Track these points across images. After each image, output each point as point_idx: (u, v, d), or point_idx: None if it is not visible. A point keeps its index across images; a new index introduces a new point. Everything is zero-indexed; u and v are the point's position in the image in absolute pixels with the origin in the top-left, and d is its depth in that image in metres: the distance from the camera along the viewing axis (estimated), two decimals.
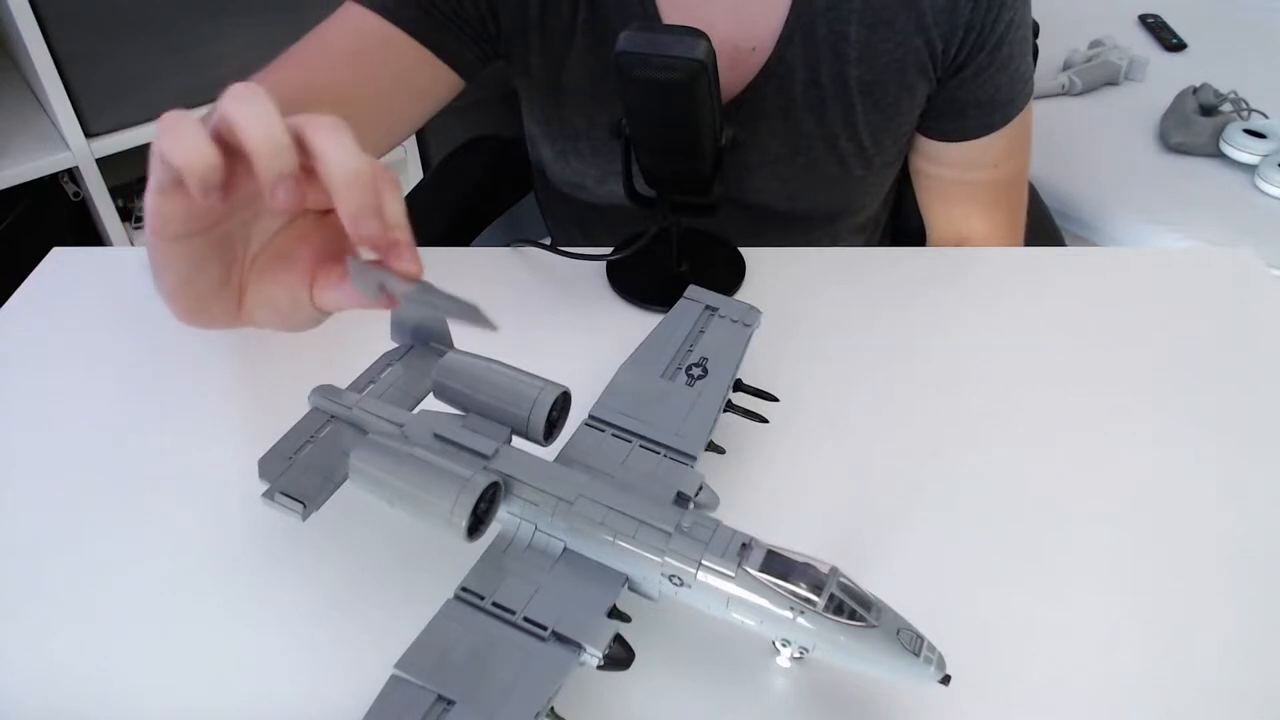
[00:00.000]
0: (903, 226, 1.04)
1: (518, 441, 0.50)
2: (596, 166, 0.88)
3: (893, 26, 0.77)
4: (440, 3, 0.79)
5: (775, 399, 0.59)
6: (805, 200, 0.88)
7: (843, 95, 0.80)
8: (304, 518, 0.48)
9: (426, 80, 0.82)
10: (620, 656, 0.44)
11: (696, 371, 0.57)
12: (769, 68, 0.79)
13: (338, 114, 0.85)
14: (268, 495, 0.49)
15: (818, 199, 0.88)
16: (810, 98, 0.80)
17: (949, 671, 0.42)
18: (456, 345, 0.56)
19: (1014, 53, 0.81)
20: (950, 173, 0.88)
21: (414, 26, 0.78)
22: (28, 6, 1.37)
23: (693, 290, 0.63)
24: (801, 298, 0.75)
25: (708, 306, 0.62)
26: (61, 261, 0.81)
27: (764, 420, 0.59)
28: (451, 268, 0.79)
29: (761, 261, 0.78)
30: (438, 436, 0.49)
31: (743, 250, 0.78)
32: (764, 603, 0.43)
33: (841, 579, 0.43)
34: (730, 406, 0.58)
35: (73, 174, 1.56)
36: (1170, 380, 0.67)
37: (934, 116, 0.85)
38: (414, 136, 1.87)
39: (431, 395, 0.53)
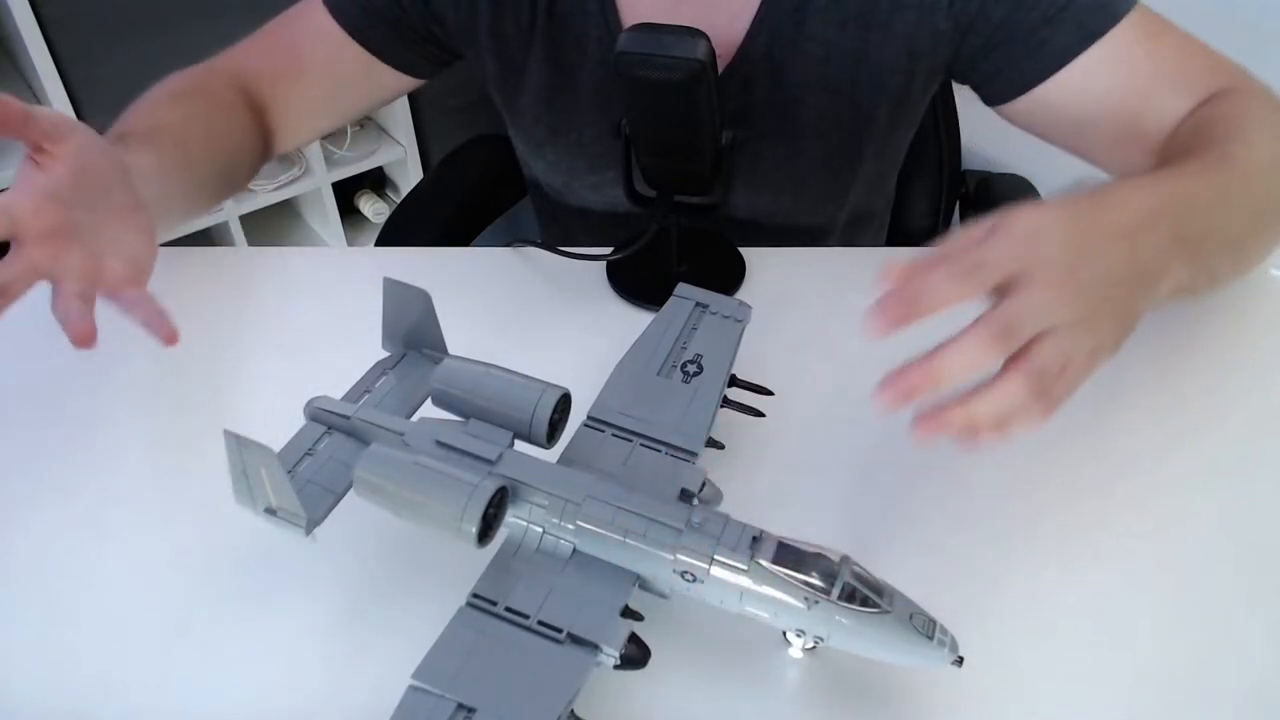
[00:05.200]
0: (903, 227, 1.04)
1: (519, 445, 0.50)
2: (563, 173, 0.87)
3: (876, 22, 0.73)
4: (383, 8, 0.79)
5: (770, 393, 0.59)
6: (791, 207, 0.85)
7: (827, 88, 0.77)
8: (307, 532, 0.47)
9: (369, 79, 0.83)
10: (636, 655, 0.44)
11: (692, 368, 0.57)
12: (732, 67, 0.77)
13: (275, 96, 0.84)
14: (269, 511, 0.48)
15: (804, 200, 0.86)
16: (782, 98, 0.78)
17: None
18: (450, 350, 0.56)
19: None
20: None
21: (355, 29, 0.79)
22: (28, 6, 1.37)
23: (682, 288, 0.63)
24: (801, 297, 0.75)
25: (698, 304, 0.62)
26: None
27: (760, 414, 0.59)
28: (451, 268, 0.79)
29: (761, 261, 0.78)
30: (440, 444, 0.49)
31: (743, 250, 0.78)
32: (778, 594, 0.43)
33: (854, 567, 0.43)
34: (726, 402, 0.58)
35: None
36: (1170, 380, 0.67)
37: (1003, 58, 0.73)
38: (414, 136, 1.87)
39: (428, 402, 0.53)
